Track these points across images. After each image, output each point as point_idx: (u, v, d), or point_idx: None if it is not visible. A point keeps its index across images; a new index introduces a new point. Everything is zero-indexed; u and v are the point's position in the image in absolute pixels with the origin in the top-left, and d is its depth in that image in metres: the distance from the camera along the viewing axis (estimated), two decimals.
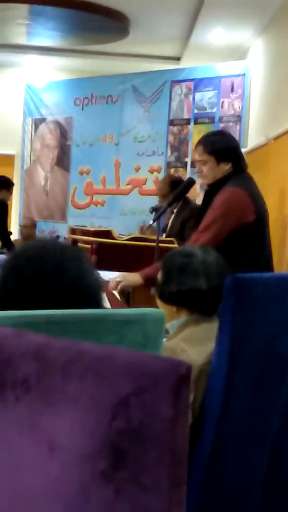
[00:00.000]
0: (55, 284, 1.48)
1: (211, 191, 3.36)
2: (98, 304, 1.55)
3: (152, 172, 7.90)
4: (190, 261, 2.16)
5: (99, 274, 1.63)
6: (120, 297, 3.24)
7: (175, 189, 4.17)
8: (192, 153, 7.29)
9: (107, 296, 3.21)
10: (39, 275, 1.48)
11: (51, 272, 1.49)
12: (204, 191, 3.52)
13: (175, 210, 5.43)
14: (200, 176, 3.50)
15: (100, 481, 0.72)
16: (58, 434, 0.76)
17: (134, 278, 3.24)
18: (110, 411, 0.72)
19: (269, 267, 3.37)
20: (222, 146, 3.34)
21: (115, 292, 3.26)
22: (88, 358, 0.75)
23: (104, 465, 0.72)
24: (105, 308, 1.60)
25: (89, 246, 4.59)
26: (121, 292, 3.28)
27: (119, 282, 3.23)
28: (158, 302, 2.25)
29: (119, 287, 3.23)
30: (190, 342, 1.99)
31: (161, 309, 2.15)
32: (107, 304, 3.19)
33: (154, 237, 3.77)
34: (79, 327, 1.36)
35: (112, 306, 3.18)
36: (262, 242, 3.32)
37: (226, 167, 3.32)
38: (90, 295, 1.52)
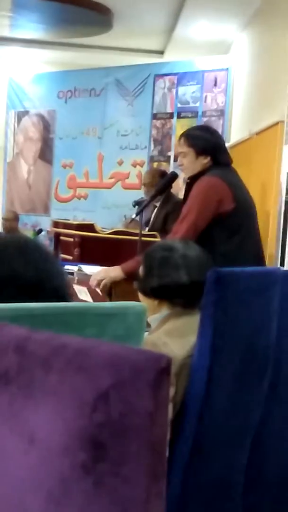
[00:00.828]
0: (17, 268, 1.48)
1: (192, 183, 3.39)
2: (63, 289, 1.55)
3: (135, 166, 7.90)
4: (170, 254, 2.16)
5: (62, 264, 1.64)
6: (102, 292, 3.24)
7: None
8: (175, 147, 7.29)
9: (88, 290, 3.21)
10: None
11: (11, 255, 1.49)
12: (185, 184, 3.55)
13: (157, 204, 5.44)
14: (181, 168, 3.56)
15: (80, 473, 0.72)
16: (38, 426, 0.76)
17: (115, 272, 3.24)
18: (90, 404, 0.72)
19: (259, 258, 3.40)
20: (202, 140, 3.39)
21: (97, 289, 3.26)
22: (68, 351, 0.75)
23: (84, 457, 0.72)
24: (71, 296, 1.60)
25: (71, 239, 4.58)
26: (103, 288, 3.28)
27: (101, 280, 3.23)
28: (140, 296, 2.25)
29: (102, 284, 3.23)
30: (172, 336, 1.99)
31: (143, 303, 2.15)
32: (88, 298, 3.19)
33: (137, 231, 3.77)
34: (61, 320, 1.36)
35: (94, 300, 3.18)
36: (246, 231, 3.34)
37: (204, 161, 3.37)
38: (53, 281, 1.52)
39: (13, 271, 1.47)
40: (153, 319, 2.16)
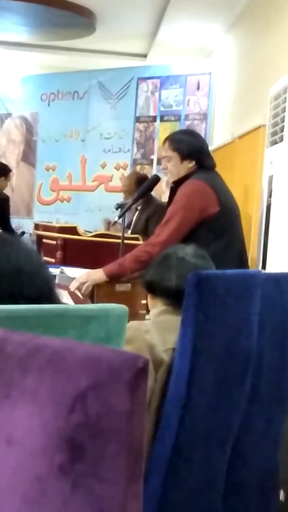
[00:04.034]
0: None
1: (176, 188, 3.40)
2: (50, 286, 1.55)
3: (118, 169, 7.90)
4: (169, 255, 2.23)
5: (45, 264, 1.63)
6: (83, 295, 3.24)
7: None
8: (158, 150, 7.31)
9: (69, 293, 3.20)
10: None
11: None
12: (170, 188, 3.56)
13: (138, 207, 5.44)
14: (165, 172, 3.56)
15: (57, 474, 0.72)
16: (15, 428, 0.76)
17: (98, 275, 3.24)
18: (68, 405, 0.72)
19: (242, 260, 3.42)
20: (187, 144, 3.39)
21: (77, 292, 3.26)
22: (46, 352, 0.76)
23: (61, 459, 0.72)
24: (60, 299, 1.60)
25: (54, 242, 4.57)
26: (85, 291, 3.27)
27: (83, 283, 3.23)
28: None
29: (84, 287, 3.23)
30: (158, 327, 2.02)
31: (149, 297, 2.27)
32: (70, 301, 3.18)
33: (120, 234, 3.77)
34: (42, 322, 1.36)
35: (75, 303, 3.17)
36: (231, 234, 3.35)
37: (189, 165, 3.38)
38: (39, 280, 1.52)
39: None
40: (151, 314, 2.21)
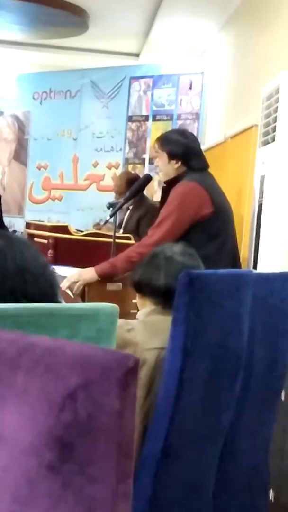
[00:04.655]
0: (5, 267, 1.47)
1: (169, 188, 3.40)
2: (53, 286, 1.55)
3: (110, 168, 7.90)
4: (157, 254, 2.21)
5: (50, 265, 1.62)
6: (74, 295, 3.24)
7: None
8: (150, 149, 7.31)
9: (60, 293, 3.20)
10: None
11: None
12: (162, 188, 3.56)
13: (130, 207, 5.43)
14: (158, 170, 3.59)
15: (47, 473, 0.72)
16: (5, 426, 0.76)
17: (89, 275, 3.24)
18: (58, 404, 0.72)
19: (235, 261, 3.42)
20: (174, 144, 3.39)
21: (68, 291, 3.25)
22: (36, 350, 0.75)
23: (51, 458, 0.72)
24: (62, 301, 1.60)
25: (45, 241, 4.56)
26: (77, 291, 3.27)
27: (75, 282, 3.23)
28: None
29: (76, 286, 3.23)
30: (146, 327, 2.02)
31: (138, 297, 2.26)
32: (62, 301, 3.18)
33: (111, 233, 3.77)
34: (32, 321, 1.35)
35: (66, 302, 3.17)
36: (224, 236, 3.35)
37: (175, 166, 3.38)
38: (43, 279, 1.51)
39: None
40: (140, 313, 2.19)
